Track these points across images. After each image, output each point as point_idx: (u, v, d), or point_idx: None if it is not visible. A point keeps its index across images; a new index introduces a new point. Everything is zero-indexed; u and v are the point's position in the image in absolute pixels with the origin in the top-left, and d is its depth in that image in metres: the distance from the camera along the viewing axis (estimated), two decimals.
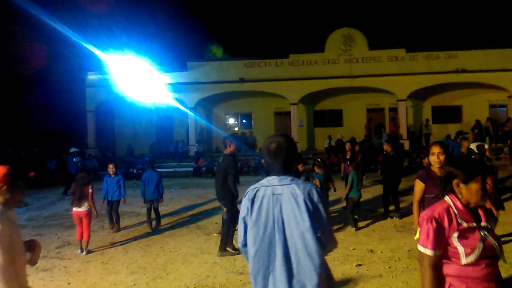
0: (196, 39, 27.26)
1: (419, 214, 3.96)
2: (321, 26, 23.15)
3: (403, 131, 19.22)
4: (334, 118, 22.23)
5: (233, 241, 6.25)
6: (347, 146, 10.00)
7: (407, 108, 19.76)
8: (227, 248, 6.20)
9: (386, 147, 8.67)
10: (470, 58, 18.74)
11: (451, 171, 2.19)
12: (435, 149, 3.89)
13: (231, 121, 23.12)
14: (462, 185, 2.14)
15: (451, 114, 21.30)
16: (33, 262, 2.71)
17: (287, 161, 2.24)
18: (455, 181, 2.16)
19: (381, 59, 19.37)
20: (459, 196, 2.15)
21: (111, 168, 8.08)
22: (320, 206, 2.16)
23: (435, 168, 3.87)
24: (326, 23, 23.93)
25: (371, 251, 6.08)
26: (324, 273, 2.16)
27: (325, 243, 2.16)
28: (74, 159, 13.22)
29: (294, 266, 2.13)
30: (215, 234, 7.18)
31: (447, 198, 2.19)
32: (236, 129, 22.58)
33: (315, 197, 2.16)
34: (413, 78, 19.00)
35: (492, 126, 18.49)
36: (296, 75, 19.72)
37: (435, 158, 3.84)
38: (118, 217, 8.12)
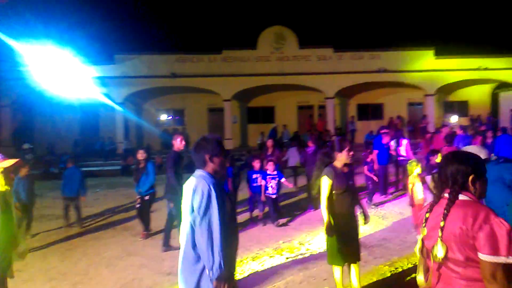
0: (124, 30, 26.09)
1: (328, 210, 4.06)
2: (254, 23, 23.32)
3: (330, 128, 20.07)
4: (267, 115, 22.59)
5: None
6: (269, 142, 10.02)
7: (334, 105, 20.67)
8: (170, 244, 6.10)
9: (310, 143, 9.05)
10: (391, 59, 20.07)
11: (462, 168, 1.92)
12: (348, 144, 4.12)
13: (163, 117, 22.49)
14: (477, 181, 1.94)
15: (374, 111, 22.70)
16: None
17: (197, 158, 2.70)
18: (471, 178, 1.92)
19: (311, 57, 20.03)
20: (474, 193, 1.94)
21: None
22: (196, 198, 2.51)
23: (340, 164, 4.08)
24: (258, 20, 24.16)
25: (300, 243, 6.25)
26: (192, 258, 2.53)
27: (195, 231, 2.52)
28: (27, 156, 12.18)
29: (184, 246, 2.60)
30: (139, 239, 6.91)
31: (469, 197, 1.92)
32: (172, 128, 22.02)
33: (196, 190, 2.54)
34: (340, 77, 19.90)
35: (400, 123, 19.94)
36: (229, 71, 19.69)
37: (346, 154, 4.05)
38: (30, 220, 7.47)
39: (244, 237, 6.72)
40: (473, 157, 2.01)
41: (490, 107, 22.94)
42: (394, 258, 5.45)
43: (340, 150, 4.10)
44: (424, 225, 1.98)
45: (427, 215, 1.98)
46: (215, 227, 2.45)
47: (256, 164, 7.76)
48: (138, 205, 7.02)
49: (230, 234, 2.59)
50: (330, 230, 4.03)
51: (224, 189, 2.78)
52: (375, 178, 8.87)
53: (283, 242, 6.34)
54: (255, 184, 7.63)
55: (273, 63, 19.92)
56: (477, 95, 23.24)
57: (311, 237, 6.60)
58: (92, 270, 5.52)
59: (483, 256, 1.73)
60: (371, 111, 22.79)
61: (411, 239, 6.24)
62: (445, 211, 1.86)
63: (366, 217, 4.43)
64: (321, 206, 4.13)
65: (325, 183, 4.04)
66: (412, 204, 6.66)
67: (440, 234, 1.84)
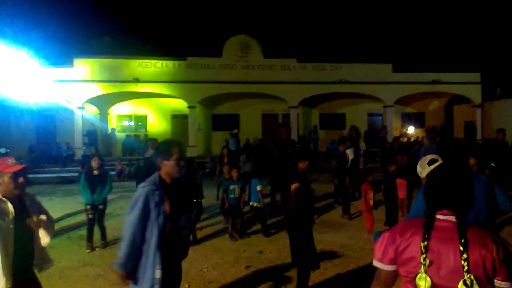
0: (85, 33, 25.36)
1: (301, 214, 4.23)
2: (219, 31, 23.40)
3: (294, 136, 20.33)
4: (231, 123, 22.59)
5: None
6: (224, 151, 9.99)
7: (298, 114, 21.02)
8: None
9: (275, 151, 9.14)
10: (352, 71, 20.70)
11: (469, 186, 1.79)
12: (309, 157, 4.32)
13: (125, 122, 21.98)
14: None
15: (336, 121, 23.29)
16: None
17: (155, 162, 2.83)
18: None
19: (275, 67, 20.30)
20: None
21: None
22: (131, 204, 2.70)
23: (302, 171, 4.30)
24: (224, 28, 24.27)
25: (260, 252, 6.27)
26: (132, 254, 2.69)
27: None
28: None
29: None
30: (97, 249, 6.68)
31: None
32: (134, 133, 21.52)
33: (134, 196, 2.70)
34: (303, 86, 20.29)
35: (355, 133, 20.47)
36: (194, 78, 19.58)
37: (306, 163, 4.24)
38: None
39: (205, 246, 6.67)
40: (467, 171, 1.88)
41: (444, 119, 24.17)
42: (352, 265, 5.59)
43: (303, 159, 4.26)
44: (424, 256, 1.64)
45: (425, 243, 1.66)
46: (129, 226, 2.65)
47: (234, 174, 7.40)
48: (91, 215, 6.68)
49: (171, 239, 2.68)
50: (305, 233, 4.19)
51: (167, 193, 2.74)
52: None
53: (244, 251, 6.34)
54: (232, 196, 7.22)
55: (238, 71, 20.01)
56: (433, 107, 24.52)
57: (273, 245, 6.64)
58: (45, 281, 5.22)
59: (506, 284, 1.62)
60: (333, 121, 23.37)
61: (369, 246, 6.43)
62: (462, 238, 1.63)
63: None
64: (296, 210, 4.26)
65: (297, 188, 4.18)
66: (367, 210, 6.90)
67: (466, 267, 1.58)
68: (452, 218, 1.71)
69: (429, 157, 3.20)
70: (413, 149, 11.86)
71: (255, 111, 22.72)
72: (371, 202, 6.98)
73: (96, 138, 19.13)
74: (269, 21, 33.66)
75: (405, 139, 18.93)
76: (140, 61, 19.41)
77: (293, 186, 4.32)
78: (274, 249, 6.38)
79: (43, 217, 2.94)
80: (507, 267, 1.62)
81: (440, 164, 3.08)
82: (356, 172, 10.26)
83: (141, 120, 22.14)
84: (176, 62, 19.65)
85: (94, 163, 6.69)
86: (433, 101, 24.20)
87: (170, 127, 21.88)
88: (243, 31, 21.09)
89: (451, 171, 1.83)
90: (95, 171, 6.69)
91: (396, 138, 14.09)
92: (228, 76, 19.82)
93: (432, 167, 3.06)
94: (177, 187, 2.86)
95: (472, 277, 1.57)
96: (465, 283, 1.57)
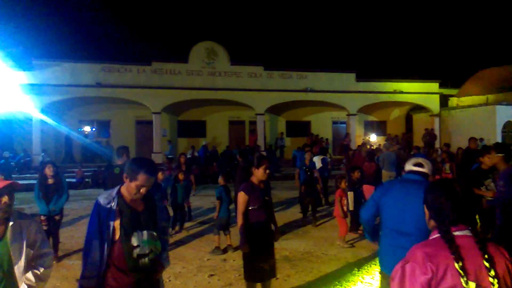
0: (45, 35, 24.47)
1: (243, 226, 3.98)
2: (186, 36, 23.25)
3: (260, 143, 20.43)
4: (198, 129, 22.42)
5: None
6: (182, 158, 9.67)
7: (265, 122, 21.14)
8: None
9: (239, 158, 9.15)
10: (317, 79, 21.12)
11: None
12: (267, 163, 4.14)
13: (87, 128, 21.26)
14: None
15: (302, 128, 23.61)
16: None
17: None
18: None
19: (242, 74, 20.37)
20: None
21: None
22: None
23: (257, 180, 4.10)
24: (190, 34, 24.15)
25: (224, 260, 6.21)
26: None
27: None
28: None
29: None
30: (54, 262, 6.37)
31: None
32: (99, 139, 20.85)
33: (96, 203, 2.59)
34: (270, 94, 20.47)
35: (311, 141, 20.79)
36: (159, 83, 19.30)
37: (263, 171, 4.09)
38: None
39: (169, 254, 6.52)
40: None
41: (405, 127, 25.08)
42: (315, 271, 5.63)
43: (257, 167, 4.08)
44: (465, 279, 1.57)
45: (460, 264, 1.58)
46: (87, 237, 2.57)
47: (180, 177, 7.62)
48: (45, 227, 6.09)
49: (121, 259, 2.53)
50: (245, 246, 3.97)
51: (121, 210, 2.57)
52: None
53: (207, 259, 6.26)
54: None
55: (204, 77, 19.92)
56: (394, 116, 25.41)
57: (237, 253, 6.59)
58: None
59: None
60: (299, 128, 23.68)
61: (332, 252, 6.52)
62: (485, 254, 1.61)
63: (276, 234, 4.35)
64: (236, 222, 4.11)
65: (241, 199, 4.02)
66: (343, 216, 7.01)
67: (496, 285, 1.57)
68: (468, 232, 1.68)
69: (414, 160, 3.18)
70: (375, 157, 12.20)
71: (222, 118, 22.66)
72: (345, 208, 7.11)
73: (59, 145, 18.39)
74: (236, 28, 33.83)
75: (368, 147, 19.44)
76: (103, 65, 18.93)
77: (238, 196, 4.07)
78: (238, 257, 6.31)
79: (30, 277, 2.43)
80: None
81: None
82: (323, 180, 10.45)
83: (104, 126, 21.54)
84: (141, 67, 19.31)
85: (49, 170, 6.24)
86: (394, 110, 25.09)
87: (134, 133, 21.42)
88: (210, 37, 21.08)
89: (455, 184, 1.82)
90: (49, 180, 6.26)
91: (363, 145, 14.42)
92: (195, 83, 19.68)
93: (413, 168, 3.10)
94: (140, 206, 2.63)
95: None
96: None
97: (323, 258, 6.24)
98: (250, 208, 3.98)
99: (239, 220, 4.01)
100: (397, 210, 2.93)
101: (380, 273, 3.15)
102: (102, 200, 2.58)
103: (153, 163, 2.71)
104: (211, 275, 5.53)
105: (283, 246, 6.71)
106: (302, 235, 7.71)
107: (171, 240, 7.44)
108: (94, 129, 21.29)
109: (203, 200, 11.82)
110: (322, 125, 23.61)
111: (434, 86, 22.81)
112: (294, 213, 9.78)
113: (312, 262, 6.02)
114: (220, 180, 7.08)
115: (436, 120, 22.64)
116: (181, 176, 8.23)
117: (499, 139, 18.98)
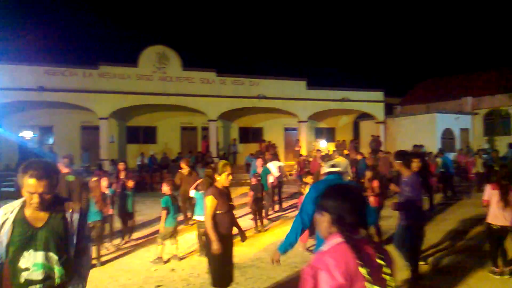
0: None
1: (213, 228, 4.11)
2: (135, 40, 22.67)
3: (213, 150, 20.29)
4: (148, 135, 21.87)
5: None
6: (121, 165, 9.27)
7: (217, 128, 21.03)
8: None
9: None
10: (269, 86, 21.36)
11: None
12: (229, 169, 4.24)
13: (28, 134, 20.00)
14: None
15: (255, 134, 23.77)
16: None
17: None
18: None
19: (194, 80, 20.15)
20: None
21: None
22: None
23: (221, 186, 4.20)
24: (140, 38, 23.58)
25: (173, 270, 6.05)
26: None
27: None
28: None
29: None
30: None
31: None
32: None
33: None
34: (222, 100, 20.40)
35: (264, 148, 21.10)
36: (107, 87, 18.60)
37: (226, 177, 4.18)
38: None
39: (113, 266, 6.26)
40: None
41: (353, 134, 26.01)
42: (264, 277, 5.63)
43: (220, 173, 4.21)
44: (371, 284, 1.69)
45: (367, 269, 1.67)
46: None
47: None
48: None
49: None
50: (218, 247, 4.04)
51: (18, 223, 2.25)
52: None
53: (155, 270, 6.07)
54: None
55: (155, 82, 19.48)
56: (343, 123, 26.33)
57: (185, 262, 6.45)
58: None
59: None
60: (252, 135, 23.81)
61: (282, 258, 6.53)
62: (380, 254, 1.77)
63: (242, 236, 4.58)
64: (206, 226, 4.14)
65: (210, 203, 4.05)
66: None
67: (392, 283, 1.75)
68: (364, 236, 1.74)
69: (330, 162, 3.49)
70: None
71: (173, 124, 22.27)
72: None
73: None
74: (188, 33, 33.52)
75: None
76: (47, 68, 17.95)
77: (207, 200, 4.15)
78: (187, 266, 6.20)
79: None
80: None
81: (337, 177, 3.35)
82: (279, 185, 10.57)
83: (46, 131, 20.38)
84: (87, 71, 18.52)
85: None
86: (343, 117, 25.99)
87: (79, 139, 20.48)
88: (161, 41, 20.67)
89: (352, 187, 1.86)
90: None
91: (318, 151, 14.72)
92: (145, 87, 19.19)
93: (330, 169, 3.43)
94: (40, 222, 2.21)
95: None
96: None
97: (273, 264, 6.24)
98: (217, 212, 4.09)
99: (209, 223, 4.08)
100: None
101: None
102: (2, 210, 2.23)
103: (46, 165, 2.22)
104: (158, 286, 5.36)
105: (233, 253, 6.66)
106: (252, 241, 7.70)
107: (118, 252, 7.14)
108: (36, 135, 20.09)
109: (148, 208, 11.48)
110: (274, 131, 23.94)
111: (379, 95, 23.88)
112: (244, 219, 9.76)
113: (262, 269, 6.01)
114: (166, 189, 6.63)
115: (382, 127, 23.69)
116: (130, 184, 7.94)
117: (439, 145, 20.21)
